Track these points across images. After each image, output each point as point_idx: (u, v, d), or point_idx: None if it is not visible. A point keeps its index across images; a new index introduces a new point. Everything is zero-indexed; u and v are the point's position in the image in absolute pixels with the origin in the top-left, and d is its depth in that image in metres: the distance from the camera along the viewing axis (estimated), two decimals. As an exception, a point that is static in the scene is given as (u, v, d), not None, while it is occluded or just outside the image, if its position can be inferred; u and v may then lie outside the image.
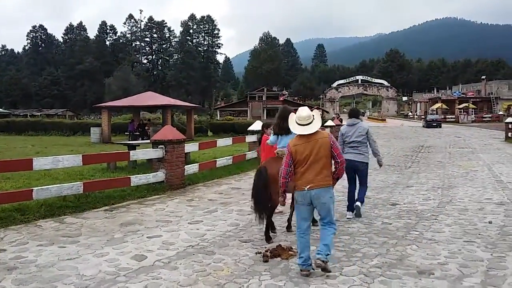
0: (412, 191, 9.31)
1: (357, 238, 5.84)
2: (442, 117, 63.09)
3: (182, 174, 10.00)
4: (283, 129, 6.12)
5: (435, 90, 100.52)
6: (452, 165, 13.86)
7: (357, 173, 7.20)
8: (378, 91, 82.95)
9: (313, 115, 4.84)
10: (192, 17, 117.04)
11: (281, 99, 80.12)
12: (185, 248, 5.49)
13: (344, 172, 5.18)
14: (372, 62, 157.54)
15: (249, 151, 14.21)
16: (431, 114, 57.49)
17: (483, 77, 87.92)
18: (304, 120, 4.78)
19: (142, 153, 9.89)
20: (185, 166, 10.28)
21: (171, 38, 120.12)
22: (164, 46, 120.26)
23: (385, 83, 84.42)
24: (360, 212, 7.03)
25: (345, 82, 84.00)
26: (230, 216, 7.23)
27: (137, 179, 9.01)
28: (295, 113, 4.96)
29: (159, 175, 9.49)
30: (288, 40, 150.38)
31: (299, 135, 4.82)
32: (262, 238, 5.86)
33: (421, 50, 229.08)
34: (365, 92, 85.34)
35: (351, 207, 7.15)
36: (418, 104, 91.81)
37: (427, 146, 21.70)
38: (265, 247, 5.44)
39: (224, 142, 13.13)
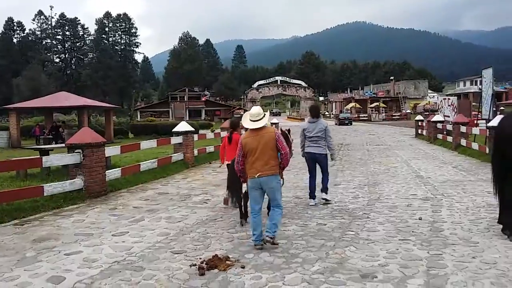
0: (340, 189, 9.39)
1: (295, 241, 5.64)
2: (356, 116, 66.42)
3: (103, 180, 9.27)
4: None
5: (348, 90, 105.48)
6: (373, 162, 14.35)
7: (318, 164, 8.08)
8: (297, 92, 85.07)
9: (263, 114, 5.64)
10: (107, 15, 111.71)
11: (203, 99, 79.55)
12: (110, 264, 4.94)
13: (288, 162, 5.88)
14: (290, 63, 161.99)
15: (174, 153, 13.64)
16: (342, 113, 63.40)
17: (392, 78, 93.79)
18: (255, 117, 5.58)
19: (56, 159, 8.97)
20: (106, 171, 9.55)
21: (85, 36, 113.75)
22: (78, 44, 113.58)
23: (303, 83, 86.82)
24: (328, 199, 7.98)
25: (265, 82, 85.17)
26: (159, 224, 6.72)
27: (51, 188, 8.16)
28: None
29: (76, 182, 8.69)
30: (208, 40, 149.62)
31: (250, 129, 5.61)
32: (196, 247, 5.47)
33: (334, 52, 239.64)
34: (284, 92, 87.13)
35: (312, 195, 8.01)
36: (334, 104, 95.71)
37: (346, 144, 22.47)
38: (200, 258, 5.05)
39: (148, 144, 12.43)
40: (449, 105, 26.43)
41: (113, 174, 9.92)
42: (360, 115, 68.03)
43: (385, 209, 7.38)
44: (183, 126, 14.02)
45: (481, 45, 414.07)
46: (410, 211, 7.16)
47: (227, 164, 7.52)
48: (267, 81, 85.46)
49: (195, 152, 14.65)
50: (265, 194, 5.61)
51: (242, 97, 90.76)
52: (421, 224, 6.30)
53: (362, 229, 6.14)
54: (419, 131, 27.73)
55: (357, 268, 4.63)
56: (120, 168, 10.54)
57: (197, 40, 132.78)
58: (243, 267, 4.73)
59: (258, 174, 5.43)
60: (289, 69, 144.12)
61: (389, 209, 7.37)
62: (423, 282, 4.19)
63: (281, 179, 6.10)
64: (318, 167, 8.12)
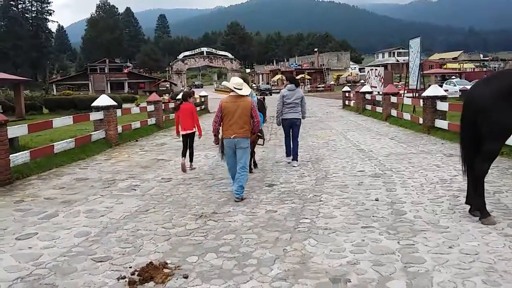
0: (283, 167, 8.67)
1: (244, 236, 4.79)
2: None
3: (6, 166, 7.80)
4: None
5: (274, 62, 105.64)
6: (309, 135, 13.84)
7: (292, 128, 8.93)
8: (223, 63, 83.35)
9: (244, 84, 6.49)
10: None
11: (126, 71, 75.56)
12: (11, 283, 3.79)
13: (258, 128, 7.13)
14: (215, 34, 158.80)
15: (95, 130, 12.15)
16: (262, 84, 70.35)
17: (316, 49, 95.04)
18: (237, 86, 6.41)
19: None
20: (11, 155, 8.06)
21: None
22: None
23: (229, 55, 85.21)
24: (296, 166, 8.68)
25: (190, 54, 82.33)
26: (77, 221, 5.55)
27: None
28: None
29: (-29, 171, 7.17)
30: (128, 9, 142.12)
31: (230, 95, 6.48)
32: (124, 251, 4.44)
33: (259, 24, 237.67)
34: (210, 64, 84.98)
35: (289, 153, 9.05)
36: (261, 76, 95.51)
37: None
38: (130, 267, 4.05)
39: (62, 121, 10.81)
40: (376, 76, 26.75)
41: (20, 158, 8.42)
42: (287, 87, 68.18)
43: (336, 189, 6.74)
44: (104, 100, 12.51)
45: (396, 18, 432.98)
46: (363, 190, 6.57)
47: (182, 135, 8.67)
48: (193, 52, 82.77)
49: (119, 129, 13.23)
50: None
51: (167, 68, 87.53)
52: (379, 206, 5.71)
53: (317, 216, 5.42)
54: (346, 102, 27.95)
55: (324, 268, 3.88)
56: (29, 151, 9.00)
57: (117, 8, 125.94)
58: (186, 277, 3.80)
59: (233, 136, 6.33)
60: (215, 40, 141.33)
61: (340, 189, 6.74)
62: (405, 284, 3.52)
63: (263, 139, 8.44)
64: None
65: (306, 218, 5.33)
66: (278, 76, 76.35)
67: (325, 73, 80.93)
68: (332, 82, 73.42)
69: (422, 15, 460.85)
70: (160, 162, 9.83)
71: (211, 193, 6.80)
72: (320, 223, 5.15)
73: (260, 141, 8.44)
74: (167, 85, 71.48)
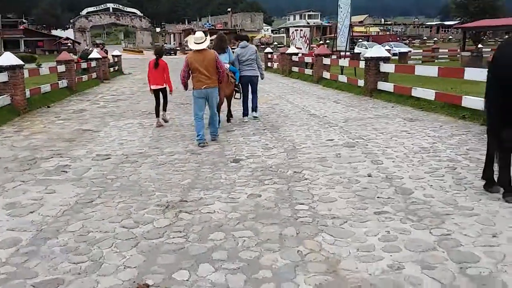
0: (241, 138, 7.58)
1: (237, 234, 3.70)
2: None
3: None
4: (220, 49, 8.13)
5: (186, 22, 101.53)
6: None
7: (251, 85, 9.02)
8: (132, 21, 78.00)
9: (205, 38, 7.00)
10: None
11: (22, 27, 67.87)
12: None
13: (225, 78, 7.51)
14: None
15: (-4, 96, 10.01)
16: (166, 44, 72.05)
17: (229, 9, 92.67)
18: (199, 40, 6.93)
19: None
20: None
21: None
22: None
23: (138, 12, 79.89)
24: (257, 116, 9.25)
25: (95, 10, 75.59)
26: (-4, 222, 4.07)
27: None
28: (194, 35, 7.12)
29: None
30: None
31: (195, 50, 6.97)
32: (78, 269, 3.15)
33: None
34: (117, 21, 78.95)
35: (246, 113, 9.14)
36: (172, 36, 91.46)
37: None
38: (97, 296, 2.81)
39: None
40: (301, 37, 26.09)
41: None
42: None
43: (315, 163, 5.83)
44: (9, 59, 10.31)
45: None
46: (346, 164, 5.72)
47: (154, 90, 8.87)
48: (98, 8, 76.27)
49: (27, 93, 11.12)
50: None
51: (67, 26, 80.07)
52: (377, 183, 4.89)
53: (313, 199, 4.47)
54: (269, 64, 27.20)
55: (365, 278, 2.96)
56: None
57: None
58: (186, 309, 2.67)
59: (204, 86, 6.91)
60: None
61: (319, 163, 5.84)
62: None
63: (240, 93, 8.91)
64: None
65: (302, 204, 4.36)
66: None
67: (239, 33, 79.32)
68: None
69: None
70: (87, 134, 8.24)
71: (167, 173, 5.56)
72: (322, 209, 4.20)
73: (237, 95, 8.98)
74: (69, 44, 65.39)
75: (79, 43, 65.23)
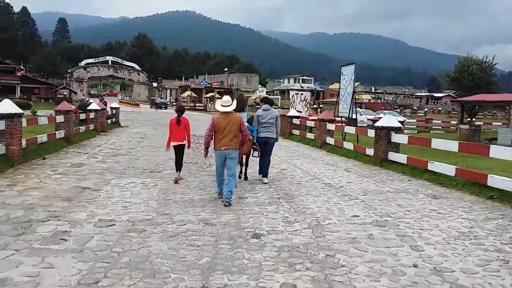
0: (256, 208, 6.93)
1: None
2: (192, 105, 64.58)
3: None
4: (239, 108, 8.12)
5: (183, 78, 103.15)
6: (252, 162, 12.26)
7: (267, 147, 9.17)
8: (130, 75, 79.00)
9: (232, 101, 7.39)
10: None
11: (19, 74, 68.12)
12: None
13: (247, 141, 7.91)
14: (119, 44, 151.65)
15: (-10, 145, 9.35)
16: (159, 98, 75.87)
17: (226, 69, 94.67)
18: (225, 103, 7.33)
19: None
20: None
21: None
22: None
23: (137, 66, 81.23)
24: (266, 182, 9.08)
25: (94, 61, 76.67)
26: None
27: None
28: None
29: None
30: (24, 8, 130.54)
31: (221, 112, 7.32)
32: None
33: (165, 39, 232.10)
34: (116, 74, 79.91)
35: (262, 171, 9.29)
36: (169, 91, 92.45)
37: (199, 136, 20.05)
38: None
39: None
40: (301, 100, 26.13)
41: None
42: (197, 105, 66.36)
43: (347, 245, 5.19)
44: (7, 106, 9.76)
45: (297, 47, 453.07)
46: (383, 248, 5.09)
47: (174, 146, 9.00)
48: (97, 60, 77.36)
49: (23, 143, 10.50)
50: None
51: (66, 75, 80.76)
52: (427, 276, 4.24)
53: (358, 295, 3.82)
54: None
55: None
56: None
57: (12, 6, 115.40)
58: None
59: (224, 148, 7.13)
60: (119, 50, 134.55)
61: (352, 244, 5.21)
62: None
63: (258, 151, 9.16)
64: None
65: (348, 300, 3.70)
66: (188, 93, 74.23)
67: (234, 93, 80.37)
68: (242, 103, 72.94)
69: (320, 45, 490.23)
70: (86, 192, 7.55)
71: (181, 248, 4.88)
72: (373, 310, 3.55)
73: (255, 153, 9.22)
74: (65, 93, 65.46)
75: (75, 93, 65.36)
